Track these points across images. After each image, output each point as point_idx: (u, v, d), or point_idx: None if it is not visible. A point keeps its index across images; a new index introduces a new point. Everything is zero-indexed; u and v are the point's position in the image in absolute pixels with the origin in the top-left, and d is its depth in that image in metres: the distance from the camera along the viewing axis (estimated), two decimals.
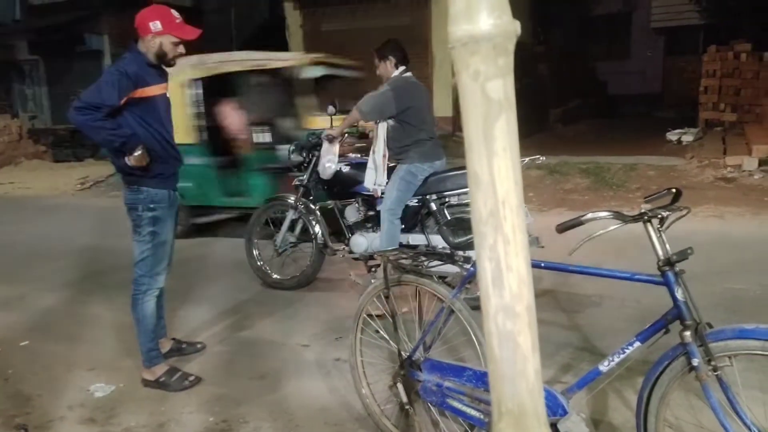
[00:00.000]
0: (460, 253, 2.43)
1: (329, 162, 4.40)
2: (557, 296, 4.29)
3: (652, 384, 2.00)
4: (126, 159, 3.07)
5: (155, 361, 3.35)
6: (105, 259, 5.73)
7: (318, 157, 4.49)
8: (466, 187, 3.82)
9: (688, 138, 10.06)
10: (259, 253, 4.83)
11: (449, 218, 4.11)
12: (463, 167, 3.67)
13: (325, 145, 4.41)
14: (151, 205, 3.20)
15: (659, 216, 1.99)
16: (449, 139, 11.41)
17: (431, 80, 11.78)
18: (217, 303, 4.51)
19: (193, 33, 3.19)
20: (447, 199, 4.16)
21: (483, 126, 0.77)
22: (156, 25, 3.09)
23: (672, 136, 10.33)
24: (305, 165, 4.65)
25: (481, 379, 2.28)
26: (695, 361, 1.86)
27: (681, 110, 11.97)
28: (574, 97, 14.13)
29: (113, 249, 5.84)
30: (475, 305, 2.14)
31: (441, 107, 11.81)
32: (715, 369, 1.85)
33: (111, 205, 8.44)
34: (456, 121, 11.70)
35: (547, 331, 3.75)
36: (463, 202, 4.12)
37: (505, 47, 0.78)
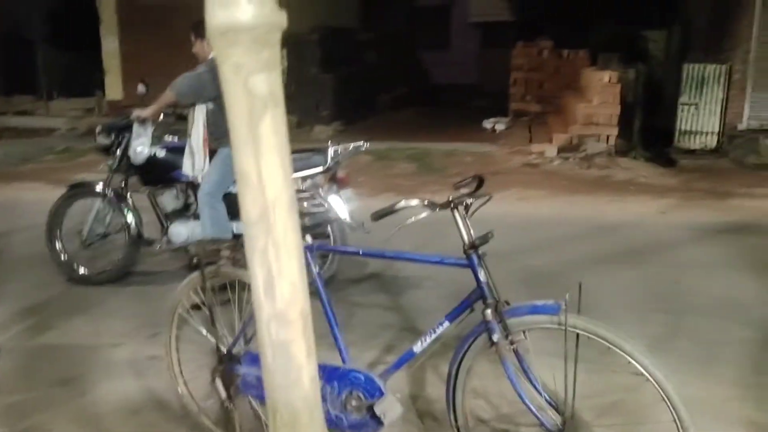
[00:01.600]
0: None
1: (141, 146, 4.09)
2: (381, 279, 4.42)
3: (459, 360, 2.14)
4: None
5: None
6: None
7: (129, 140, 4.16)
8: (295, 172, 3.76)
9: (500, 126, 10.91)
10: (62, 246, 4.38)
11: None
12: (292, 151, 3.63)
13: (136, 127, 4.10)
14: None
15: (464, 203, 2.11)
16: None
17: None
18: (11, 303, 4.01)
19: None
20: None
21: (248, 123, 0.73)
22: None
23: (487, 124, 11.13)
24: (114, 149, 4.28)
25: None
26: (495, 337, 2.01)
27: (495, 100, 12.92)
28: (400, 85, 14.62)
29: None
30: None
31: None
32: (512, 343, 2.02)
33: None
34: (285, 104, 11.53)
35: (370, 313, 3.86)
36: None
37: (268, 40, 0.75)
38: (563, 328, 1.89)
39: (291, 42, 11.44)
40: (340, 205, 3.99)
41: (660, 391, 1.83)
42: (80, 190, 4.40)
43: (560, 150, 8.45)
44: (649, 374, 1.84)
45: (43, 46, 13.26)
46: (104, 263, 4.41)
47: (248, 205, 0.74)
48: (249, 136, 0.73)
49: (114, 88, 12.10)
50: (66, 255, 4.38)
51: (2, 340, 3.50)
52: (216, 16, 0.74)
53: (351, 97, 11.56)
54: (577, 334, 1.92)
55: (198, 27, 4.10)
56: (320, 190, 3.99)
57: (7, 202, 6.76)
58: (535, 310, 1.99)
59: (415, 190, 7.22)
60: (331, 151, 4.01)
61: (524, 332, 2.03)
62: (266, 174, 0.73)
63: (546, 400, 2.04)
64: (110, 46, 12.09)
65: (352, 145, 4.14)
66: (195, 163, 3.99)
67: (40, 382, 3.07)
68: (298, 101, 11.42)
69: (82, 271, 4.36)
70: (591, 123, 8.46)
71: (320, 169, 3.97)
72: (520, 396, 2.04)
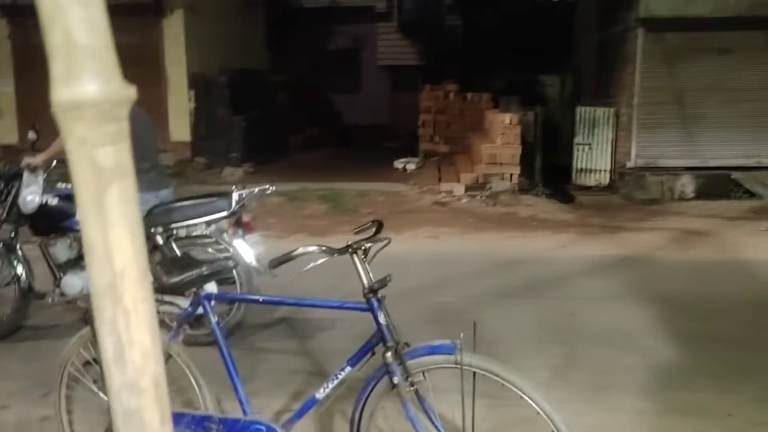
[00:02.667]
0: (168, 297, 2.35)
1: (31, 194, 3.89)
2: (292, 323, 4.37)
3: (362, 403, 2.15)
4: None
5: None
6: None
7: (18, 189, 3.95)
8: (195, 218, 3.68)
9: (411, 166, 11.19)
10: None
11: (177, 253, 3.93)
12: (192, 197, 3.55)
13: (26, 175, 3.90)
14: None
15: (363, 248, 2.16)
16: (188, 165, 11.01)
17: (166, 104, 11.26)
18: None
19: None
20: (174, 232, 3.97)
21: (94, 195, 0.74)
22: None
23: (398, 164, 11.38)
24: (3, 197, 4.05)
25: (201, 423, 2.21)
26: (396, 380, 2.04)
27: (406, 141, 13.26)
28: (312, 126, 14.74)
29: None
30: (207, 341, 2.06)
31: (178, 132, 11.34)
32: (412, 384, 2.06)
33: None
34: (194, 146, 11.34)
35: (279, 360, 3.79)
36: (193, 234, 3.99)
37: (114, 114, 0.76)
38: (459, 367, 1.95)
39: (200, 83, 11.32)
40: (245, 250, 3.94)
41: (550, 423, 1.92)
42: None
43: (468, 188, 8.77)
44: (540, 408, 1.92)
45: None
46: None
47: (96, 276, 0.74)
48: (95, 208, 0.73)
49: (8, 132, 11.48)
50: None
51: None
52: (60, 93, 0.74)
53: (261, 138, 11.52)
54: (474, 372, 1.98)
55: None
56: (225, 235, 3.94)
57: None
58: (432, 351, 2.04)
59: (327, 230, 7.24)
60: (235, 195, 3.97)
61: (424, 373, 2.08)
62: (114, 245, 0.73)
63: None
64: (4, 88, 11.54)
65: (257, 189, 4.12)
66: None
67: None
68: (207, 143, 11.24)
69: None
70: (495, 162, 8.85)
71: (224, 213, 3.92)
72: None
